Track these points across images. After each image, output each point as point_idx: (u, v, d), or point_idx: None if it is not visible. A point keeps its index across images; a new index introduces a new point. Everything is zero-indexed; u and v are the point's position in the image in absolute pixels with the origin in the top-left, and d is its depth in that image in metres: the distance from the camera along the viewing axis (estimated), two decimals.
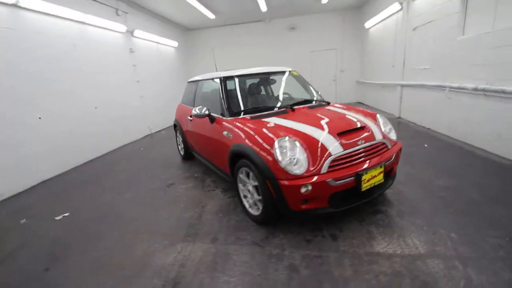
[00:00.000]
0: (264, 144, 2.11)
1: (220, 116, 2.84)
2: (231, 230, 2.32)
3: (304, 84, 3.51)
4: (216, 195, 3.06)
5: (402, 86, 6.16)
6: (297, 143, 2.06)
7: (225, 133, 2.65)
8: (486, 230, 2.02)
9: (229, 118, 2.70)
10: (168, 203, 2.96)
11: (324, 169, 2.01)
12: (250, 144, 2.22)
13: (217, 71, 4.14)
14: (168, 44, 8.55)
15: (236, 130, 2.47)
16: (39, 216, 2.94)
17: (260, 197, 2.23)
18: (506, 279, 1.56)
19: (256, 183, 2.23)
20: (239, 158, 2.42)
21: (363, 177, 2.07)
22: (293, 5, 7.96)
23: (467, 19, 3.99)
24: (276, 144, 2.05)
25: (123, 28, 6.09)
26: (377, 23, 7.60)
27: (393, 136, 2.54)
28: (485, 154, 3.53)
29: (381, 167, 2.19)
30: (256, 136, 2.22)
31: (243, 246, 2.08)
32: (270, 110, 2.80)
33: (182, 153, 4.61)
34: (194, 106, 3.75)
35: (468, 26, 3.99)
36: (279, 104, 3.04)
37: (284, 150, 2.01)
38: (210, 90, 3.44)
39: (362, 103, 9.26)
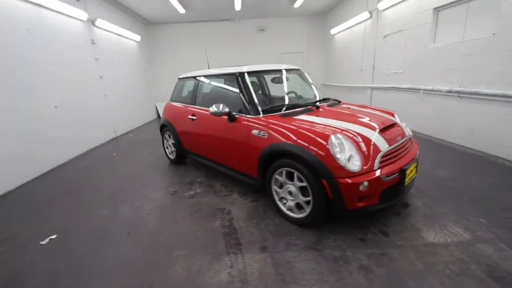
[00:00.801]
0: (318, 142, 2.02)
1: (244, 115, 2.63)
2: (275, 236, 2.15)
3: (310, 83, 3.51)
4: (236, 200, 2.82)
5: (372, 88, 6.71)
6: (349, 140, 2.02)
7: (255, 132, 2.46)
8: (502, 213, 2.28)
9: (259, 116, 2.52)
10: (186, 213, 2.61)
11: (376, 165, 2.01)
12: (300, 142, 2.09)
13: (209, 68, 3.90)
14: (131, 38, 7.73)
15: (275, 127, 2.31)
16: (17, 241, 2.30)
17: (306, 199, 2.12)
18: None
19: (303, 184, 2.11)
20: (276, 158, 2.28)
21: (407, 172, 2.14)
22: (266, 7, 8.00)
23: (438, 29, 4.54)
24: (332, 141, 1.97)
25: (84, 15, 5.27)
26: (343, 30, 8.15)
27: (410, 132, 2.70)
28: (461, 148, 4.04)
29: (415, 161, 2.31)
30: (306, 133, 2.10)
31: (299, 252, 1.94)
32: (295, 108, 2.71)
33: (172, 157, 4.18)
34: (196, 104, 3.43)
35: (439, 36, 4.54)
36: (300, 102, 2.95)
37: (341, 147, 1.95)
38: (220, 87, 3.18)
39: None
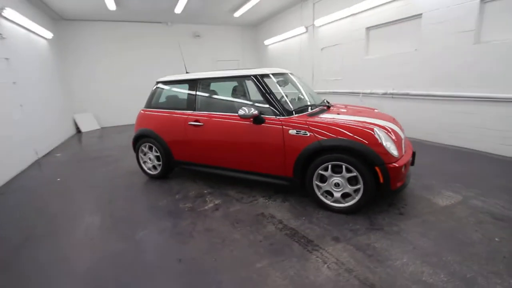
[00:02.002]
0: (366, 134, 2.29)
1: (273, 116, 2.65)
2: (336, 227, 2.29)
3: (305, 85, 3.76)
4: (267, 204, 2.78)
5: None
6: (384, 131, 2.39)
7: (293, 132, 2.52)
8: (462, 177, 3.14)
9: (292, 117, 2.60)
10: (229, 228, 2.39)
11: (403, 150, 2.46)
12: (354, 136, 2.30)
13: (186, 71, 3.72)
14: (41, 34, 6.17)
15: (318, 126, 2.45)
16: None
17: (355, 187, 2.36)
18: None
19: (352, 174, 2.34)
20: (319, 154, 2.42)
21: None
22: (206, 13, 7.93)
23: (369, 44, 5.69)
24: (378, 132, 2.28)
25: None
26: (278, 42, 8.93)
27: None
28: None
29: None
30: (351, 128, 2.34)
31: (367, 234, 2.14)
32: (311, 108, 2.93)
33: (154, 172, 3.64)
34: (197, 109, 3.16)
35: (371, 49, 5.69)
36: (309, 103, 3.16)
37: (384, 137, 2.29)
38: (229, 90, 3.07)
39: None
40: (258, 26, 10.06)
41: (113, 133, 7.72)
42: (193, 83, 3.26)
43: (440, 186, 2.96)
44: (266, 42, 9.46)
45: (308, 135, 2.47)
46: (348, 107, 3.32)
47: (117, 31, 8.33)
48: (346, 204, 2.45)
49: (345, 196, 2.46)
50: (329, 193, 2.52)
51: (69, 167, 4.56)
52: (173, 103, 3.51)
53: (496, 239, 2.01)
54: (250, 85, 3.22)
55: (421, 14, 4.51)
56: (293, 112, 2.67)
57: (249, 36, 10.24)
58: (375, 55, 5.56)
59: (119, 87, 8.66)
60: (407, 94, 4.95)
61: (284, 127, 2.58)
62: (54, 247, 2.27)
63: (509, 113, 3.58)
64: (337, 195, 2.47)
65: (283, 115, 2.63)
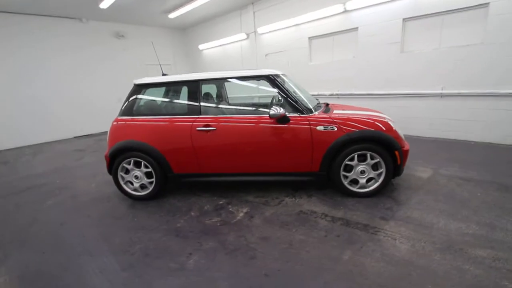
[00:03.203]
0: (385, 124, 2.65)
1: (296, 114, 2.70)
2: (374, 209, 2.53)
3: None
4: (299, 202, 2.79)
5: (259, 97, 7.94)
6: (391, 120, 2.83)
7: (320, 128, 2.64)
8: (420, 155, 4.01)
9: (315, 113, 2.73)
10: (285, 234, 2.27)
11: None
12: (374, 126, 2.61)
13: (163, 73, 3.42)
14: None
15: (341, 120, 2.65)
16: None
17: (378, 172, 2.69)
18: None
19: (376, 160, 2.65)
20: (350, 145, 2.63)
21: None
22: (135, 11, 7.06)
23: (312, 52, 6.41)
24: (390, 122, 2.68)
25: None
26: (215, 47, 8.83)
27: None
28: None
29: None
30: (371, 121, 2.66)
31: (409, 209, 2.48)
32: (320, 106, 3.13)
33: (142, 192, 3.04)
34: (201, 114, 2.85)
35: (314, 56, 6.42)
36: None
37: (394, 125, 2.72)
38: (235, 90, 2.90)
39: None
40: (190, 30, 9.66)
41: (23, 155, 5.83)
42: (194, 85, 2.91)
43: (408, 164, 3.68)
44: (201, 46, 9.20)
45: (335, 129, 2.65)
46: (342, 105, 3.69)
47: (15, 24, 6.37)
48: (371, 188, 2.75)
49: (367, 181, 2.76)
50: (353, 181, 2.77)
51: None
52: (167, 108, 3.04)
53: (478, 194, 2.70)
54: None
55: (357, 27, 5.45)
56: (313, 109, 2.80)
57: (180, 40, 9.70)
58: (318, 62, 6.32)
59: (12, 98, 6.63)
60: (352, 94, 5.86)
61: (311, 124, 2.67)
62: None
63: (432, 105, 4.80)
64: (363, 181, 2.74)
65: (305, 113, 2.72)
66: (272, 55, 7.28)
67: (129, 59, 8.46)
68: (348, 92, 5.91)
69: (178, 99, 3.08)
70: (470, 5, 4.15)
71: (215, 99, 3.24)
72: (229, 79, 2.99)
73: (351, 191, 2.77)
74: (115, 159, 2.97)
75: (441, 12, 4.43)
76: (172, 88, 3.08)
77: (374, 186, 2.75)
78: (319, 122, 2.67)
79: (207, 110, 2.90)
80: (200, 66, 9.76)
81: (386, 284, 1.65)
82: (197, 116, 2.84)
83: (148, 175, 3.00)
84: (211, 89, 3.37)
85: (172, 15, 7.46)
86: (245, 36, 7.66)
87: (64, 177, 4.10)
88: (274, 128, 2.70)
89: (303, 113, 2.71)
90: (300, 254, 1.98)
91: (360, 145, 2.62)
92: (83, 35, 7.51)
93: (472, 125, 4.47)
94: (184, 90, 3.03)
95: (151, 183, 3.02)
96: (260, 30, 7.15)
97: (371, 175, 2.72)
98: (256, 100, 3.65)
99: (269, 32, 7.04)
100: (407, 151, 2.73)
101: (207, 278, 1.80)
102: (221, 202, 2.91)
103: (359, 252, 1.95)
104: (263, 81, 2.87)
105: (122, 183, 3.06)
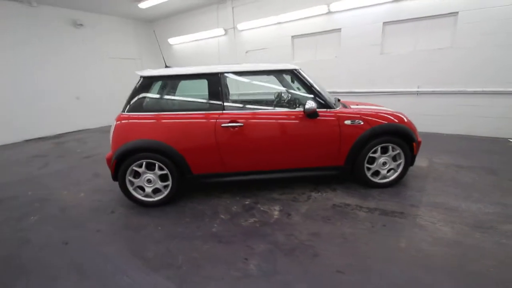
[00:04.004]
0: (403, 118, 2.82)
1: (325, 109, 2.70)
2: (400, 198, 2.67)
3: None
4: (327, 196, 2.79)
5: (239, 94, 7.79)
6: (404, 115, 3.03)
7: (348, 122, 2.69)
8: None
9: (340, 108, 2.77)
10: (332, 228, 2.24)
11: None
12: (395, 120, 2.76)
13: (166, 65, 3.20)
14: None
15: (366, 114, 2.73)
16: None
17: (398, 162, 2.85)
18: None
19: (396, 152, 2.81)
20: (375, 138, 2.73)
21: None
22: None
23: (295, 51, 6.53)
24: (404, 116, 2.87)
25: None
26: (189, 42, 8.36)
27: None
28: None
29: None
30: (391, 114, 2.80)
31: (427, 196, 2.66)
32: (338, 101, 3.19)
33: (155, 198, 2.71)
34: (224, 109, 2.65)
35: (296, 55, 6.54)
36: None
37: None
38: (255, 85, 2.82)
39: None
40: (159, 22, 8.96)
41: None
42: (214, 78, 2.69)
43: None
44: (172, 41, 8.63)
45: (362, 123, 2.72)
46: (351, 101, 3.79)
47: None
48: (391, 178, 2.90)
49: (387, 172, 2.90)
50: (374, 173, 2.89)
51: None
52: (184, 103, 2.75)
53: (476, 178, 3.06)
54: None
55: (340, 28, 5.72)
56: (335, 104, 2.83)
57: (147, 32, 8.94)
58: (301, 60, 6.47)
59: None
60: (334, 92, 6.12)
61: (339, 118, 2.70)
62: None
63: (409, 102, 5.28)
64: (384, 172, 2.88)
65: (331, 108, 2.73)
66: (253, 53, 7.19)
67: (89, 51, 7.49)
68: (331, 90, 6.16)
69: (194, 93, 2.81)
70: (442, 13, 4.68)
71: (235, 93, 3.06)
72: (253, 73, 2.85)
73: (373, 182, 2.89)
74: (122, 162, 2.58)
75: (416, 18, 4.91)
76: (190, 81, 2.80)
77: (393, 176, 2.91)
78: (347, 116, 2.71)
79: (230, 105, 2.71)
80: (171, 62, 9.13)
81: (454, 264, 1.74)
82: (221, 112, 2.63)
83: (162, 178, 2.68)
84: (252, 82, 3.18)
85: (143, 5, 6.83)
86: (223, 32, 7.43)
87: (35, 188, 3.42)
88: (305, 123, 2.66)
89: (330, 108, 2.73)
90: (360, 247, 1.97)
91: (384, 138, 2.74)
92: (33, 21, 6.38)
93: (444, 119, 5.06)
94: (202, 83, 2.78)
95: (165, 186, 2.71)
96: (240, 26, 7.00)
97: (392, 166, 2.87)
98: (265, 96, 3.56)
99: (250, 29, 6.94)
100: (420, 142, 2.95)
101: (281, 282, 1.67)
102: (247, 202, 2.75)
103: (414, 239, 2.03)
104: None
105: (131, 189, 2.67)
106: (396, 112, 2.90)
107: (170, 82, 2.84)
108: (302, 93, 2.88)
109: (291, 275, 1.74)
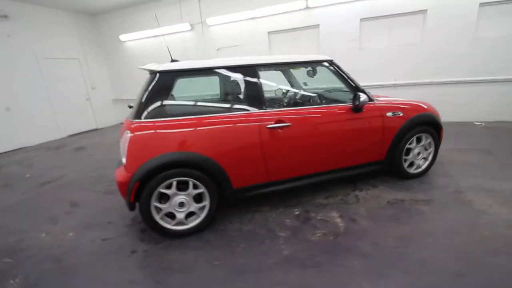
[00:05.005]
0: (430, 107, 2.86)
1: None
2: (437, 187, 2.69)
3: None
4: (373, 194, 2.64)
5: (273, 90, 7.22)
6: None
7: (389, 114, 2.59)
8: None
9: (378, 100, 2.66)
10: (410, 228, 2.07)
11: None
12: (432, 108, 2.78)
13: (172, 59, 2.76)
14: None
15: (401, 105, 2.68)
16: None
17: (429, 151, 2.89)
18: None
19: (428, 140, 2.83)
20: (412, 129, 2.69)
21: None
22: None
23: (272, 47, 6.32)
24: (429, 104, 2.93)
25: None
26: (145, 38, 7.37)
27: None
28: None
29: None
30: (421, 104, 2.81)
31: (458, 183, 2.74)
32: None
33: (187, 225, 2.15)
34: (266, 108, 2.26)
35: (274, 51, 6.34)
36: None
37: None
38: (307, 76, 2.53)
39: None
40: (105, 16, 7.66)
41: None
42: (250, 71, 2.25)
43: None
44: (124, 37, 7.50)
45: (401, 114, 2.65)
46: None
47: None
48: (423, 167, 2.92)
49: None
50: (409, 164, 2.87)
51: None
52: (216, 102, 2.24)
53: (480, 158, 3.32)
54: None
55: (319, 24, 5.74)
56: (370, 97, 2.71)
57: (90, 28, 7.58)
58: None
59: None
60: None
61: (382, 110, 2.58)
62: None
63: (387, 94, 5.59)
64: (419, 162, 2.88)
65: (373, 100, 2.60)
66: (225, 50, 6.73)
67: (17, 50, 5.92)
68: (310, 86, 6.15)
69: (227, 90, 2.34)
70: (413, 11, 5.08)
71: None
72: (287, 64, 2.51)
73: (409, 173, 2.87)
74: (146, 182, 1.96)
75: (390, 14, 5.23)
76: (214, 76, 2.30)
77: (424, 165, 2.94)
78: (388, 107, 2.61)
79: (271, 103, 2.33)
80: (124, 60, 7.96)
81: None
82: (264, 111, 2.23)
83: (197, 198, 2.15)
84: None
85: None
86: (189, 27, 6.75)
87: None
88: (352, 118, 2.46)
89: (371, 100, 2.59)
90: (456, 242, 1.86)
91: (421, 128, 2.73)
92: None
93: None
94: (232, 79, 2.33)
95: (201, 208, 2.18)
96: (209, 21, 6.46)
97: (424, 155, 2.89)
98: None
99: (222, 24, 6.46)
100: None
101: None
102: (296, 212, 2.41)
103: (488, 225, 2.01)
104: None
105: (157, 217, 2.06)
106: (421, 102, 2.94)
107: (194, 79, 2.30)
108: (339, 87, 2.68)
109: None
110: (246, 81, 2.25)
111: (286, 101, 2.61)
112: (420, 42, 5.17)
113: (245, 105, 2.25)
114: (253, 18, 6.14)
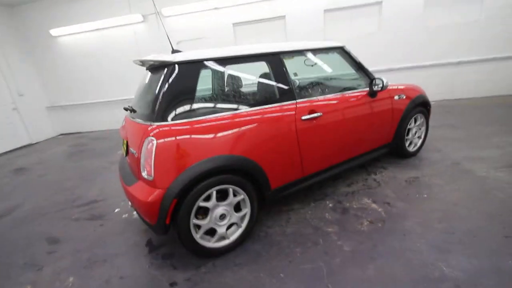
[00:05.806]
0: (421, 89, 3.09)
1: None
2: (437, 164, 2.95)
3: None
4: (389, 174, 2.73)
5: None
6: None
7: (396, 97, 2.70)
8: None
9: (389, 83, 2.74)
10: (447, 208, 2.18)
11: None
12: (420, 92, 2.99)
13: (173, 50, 2.49)
14: None
15: (408, 87, 2.86)
16: None
17: (422, 129, 3.13)
18: None
19: (423, 119, 3.07)
20: (413, 110, 2.86)
21: None
22: None
23: (238, 39, 6.06)
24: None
25: None
26: (83, 32, 6.27)
27: None
28: None
29: None
30: (415, 87, 3.02)
31: (459, 160, 3.06)
32: None
33: (228, 241, 1.87)
34: (295, 98, 2.10)
35: (239, 43, 6.10)
36: None
37: None
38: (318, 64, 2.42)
39: (71, 133, 7.15)
40: (26, 7, 6.21)
41: None
42: (275, 60, 2.04)
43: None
44: (56, 32, 6.24)
45: (405, 97, 2.80)
46: None
47: None
48: (418, 145, 3.17)
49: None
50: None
51: None
52: (245, 95, 1.96)
53: (453, 132, 3.78)
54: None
55: (284, 15, 5.71)
56: None
57: (9, 23, 6.07)
58: None
59: None
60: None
61: (390, 94, 2.66)
62: None
63: None
64: (416, 140, 3.11)
65: (378, 86, 2.66)
66: (186, 43, 6.18)
67: None
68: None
69: (254, 81, 2.08)
70: (369, 3, 5.46)
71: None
72: (301, 52, 2.36)
73: (409, 152, 3.07)
74: (184, 196, 1.62)
75: (350, 6, 5.52)
76: (238, 66, 2.01)
77: (419, 143, 3.18)
78: (395, 91, 2.72)
79: (300, 93, 2.17)
80: (57, 60, 6.65)
81: None
82: (295, 102, 2.06)
83: (237, 207, 1.88)
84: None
85: None
86: (140, 18, 5.99)
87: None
88: (370, 104, 2.48)
89: (375, 86, 2.64)
90: (484, 208, 2.03)
91: (419, 109, 2.93)
92: None
93: None
94: (254, 68, 2.09)
95: (243, 218, 1.92)
96: (165, 11, 5.83)
97: (419, 134, 3.13)
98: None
99: (181, 14, 5.90)
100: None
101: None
102: (330, 205, 2.34)
103: (495, 188, 2.27)
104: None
105: (197, 237, 1.73)
106: (411, 84, 3.14)
107: (216, 71, 1.98)
108: (347, 72, 2.67)
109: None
110: (273, 70, 2.04)
111: (310, 90, 2.48)
112: (378, 32, 5.61)
113: (276, 95, 2.04)
114: (216, 8, 5.77)
